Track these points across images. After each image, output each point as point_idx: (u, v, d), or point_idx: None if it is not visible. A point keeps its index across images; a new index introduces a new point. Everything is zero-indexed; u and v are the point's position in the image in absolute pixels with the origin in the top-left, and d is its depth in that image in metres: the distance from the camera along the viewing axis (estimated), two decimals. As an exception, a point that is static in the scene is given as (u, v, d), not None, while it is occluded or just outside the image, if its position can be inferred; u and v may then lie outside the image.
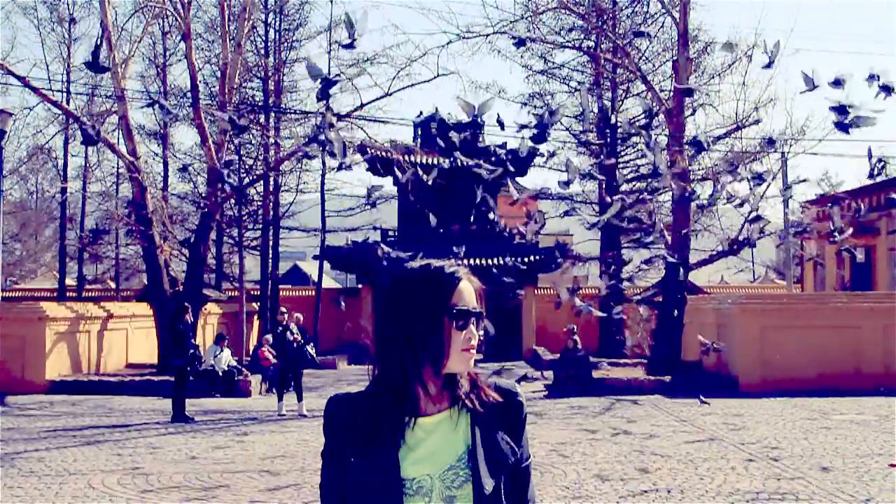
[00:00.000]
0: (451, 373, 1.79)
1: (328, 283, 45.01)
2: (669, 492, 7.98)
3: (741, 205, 13.06)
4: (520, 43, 16.85)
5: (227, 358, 17.65)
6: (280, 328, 14.81)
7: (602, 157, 24.07)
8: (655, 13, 25.81)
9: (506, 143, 30.73)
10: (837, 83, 10.42)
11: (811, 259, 21.28)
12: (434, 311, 1.75)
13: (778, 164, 20.47)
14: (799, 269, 30.97)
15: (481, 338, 1.81)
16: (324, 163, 28.91)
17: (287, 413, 13.84)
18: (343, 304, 25.00)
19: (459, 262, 1.86)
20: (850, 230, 13.93)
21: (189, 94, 22.48)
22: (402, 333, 1.76)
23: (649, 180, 26.46)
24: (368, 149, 26.48)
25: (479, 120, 10.93)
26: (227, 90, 20.62)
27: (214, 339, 18.52)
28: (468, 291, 1.79)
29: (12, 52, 52.19)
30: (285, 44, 29.51)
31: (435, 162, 27.63)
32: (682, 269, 16.14)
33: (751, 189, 12.95)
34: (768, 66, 10.86)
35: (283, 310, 16.61)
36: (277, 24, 29.42)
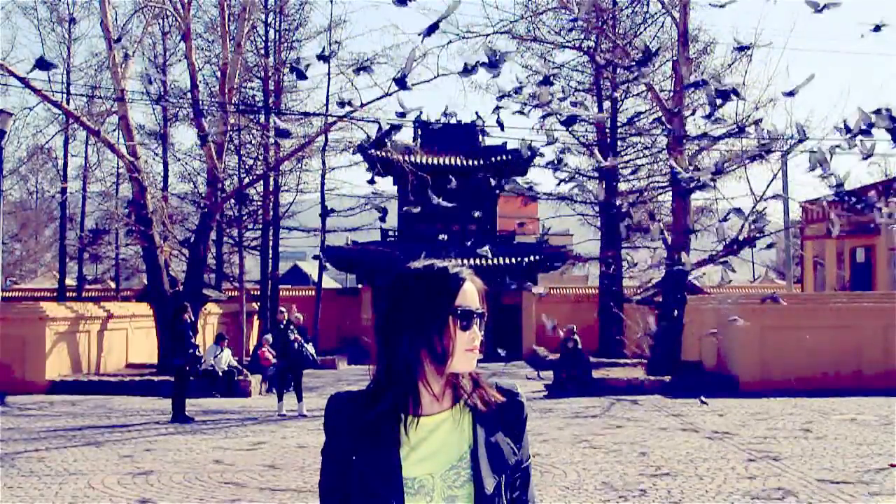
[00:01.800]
0: (454, 372, 1.80)
1: (328, 283, 45.04)
2: (669, 492, 7.98)
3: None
4: (586, 16, 16.87)
5: (227, 358, 17.66)
6: (282, 325, 14.78)
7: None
8: (655, 13, 25.82)
9: (506, 143, 30.75)
10: (878, 28, 10.65)
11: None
12: (439, 311, 1.76)
13: (778, 164, 20.46)
14: (799, 269, 30.98)
15: (482, 337, 1.82)
16: (324, 162, 29.01)
17: (287, 413, 13.84)
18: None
19: (461, 262, 1.87)
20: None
21: (189, 94, 22.48)
22: (407, 333, 1.76)
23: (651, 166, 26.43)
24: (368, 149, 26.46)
25: (499, 65, 11.05)
26: (227, 90, 20.62)
27: (214, 339, 18.52)
28: (472, 292, 1.80)
29: (12, 52, 52.20)
30: (285, 44, 29.51)
31: (435, 162, 27.67)
32: (683, 266, 16.14)
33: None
34: (819, 10, 11.01)
35: (283, 309, 16.60)
36: (277, 24, 29.42)
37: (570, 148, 26.18)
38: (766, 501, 7.58)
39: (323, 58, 11.21)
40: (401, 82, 10.82)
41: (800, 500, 7.57)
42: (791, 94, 12.61)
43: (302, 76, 11.99)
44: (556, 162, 14.89)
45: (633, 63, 15.79)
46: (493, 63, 11.10)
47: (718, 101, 13.20)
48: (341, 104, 12.15)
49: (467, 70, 11.79)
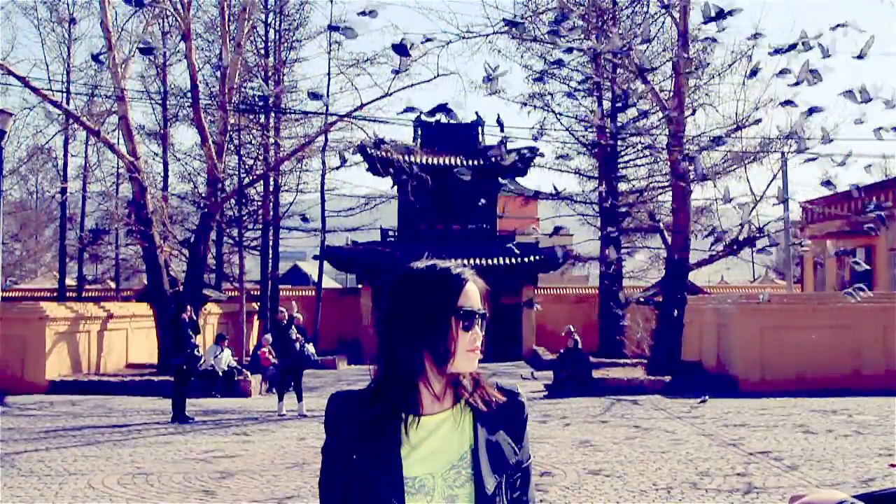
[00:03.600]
0: (455, 372, 1.80)
1: (328, 283, 45.04)
2: (669, 492, 7.98)
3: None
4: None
5: (227, 358, 17.65)
6: (283, 324, 14.74)
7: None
8: (655, 13, 25.80)
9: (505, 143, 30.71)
10: None
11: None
12: (442, 311, 1.76)
13: (778, 164, 20.44)
14: (799, 269, 30.97)
15: (482, 338, 1.83)
16: (324, 162, 29.01)
17: (287, 413, 13.84)
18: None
19: (463, 263, 1.87)
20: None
21: (189, 94, 22.48)
22: (409, 333, 1.76)
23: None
24: (368, 149, 26.50)
25: (564, 21, 10.95)
26: (226, 90, 20.62)
27: (214, 339, 18.52)
28: (474, 293, 1.80)
29: (12, 52, 52.17)
30: (285, 44, 29.51)
31: (434, 162, 27.65)
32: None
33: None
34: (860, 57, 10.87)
35: (283, 308, 16.55)
36: (277, 24, 29.41)
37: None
38: (766, 501, 7.58)
39: (364, 13, 11.07)
40: (401, 48, 10.65)
41: (800, 500, 7.57)
42: (860, 56, 12.31)
43: (354, 24, 11.82)
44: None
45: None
46: (561, 19, 10.97)
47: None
48: (396, 72, 12.19)
49: (513, 23, 11.66)
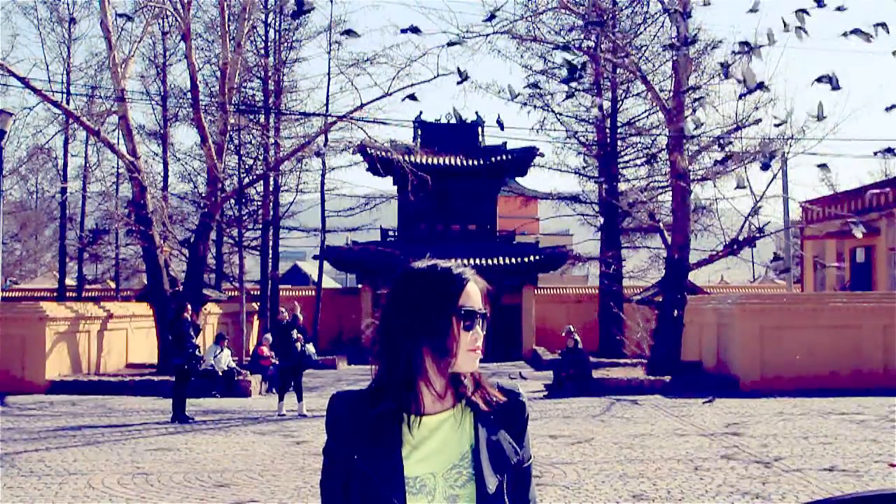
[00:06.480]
0: (456, 372, 1.80)
1: (328, 283, 45.04)
2: (669, 492, 7.98)
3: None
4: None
5: (226, 358, 17.65)
6: (285, 323, 14.71)
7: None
8: (655, 13, 25.81)
9: (505, 143, 30.76)
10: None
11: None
12: (443, 311, 1.76)
13: (778, 164, 20.43)
14: (799, 269, 30.97)
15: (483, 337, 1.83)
16: (324, 162, 29.00)
17: (287, 413, 13.84)
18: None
19: (463, 262, 1.88)
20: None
21: (189, 94, 22.47)
22: (410, 333, 1.76)
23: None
24: (368, 149, 26.52)
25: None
26: (226, 90, 20.60)
27: (214, 339, 18.51)
28: (475, 292, 1.80)
29: (12, 52, 52.21)
30: (285, 44, 29.51)
31: (435, 162, 27.65)
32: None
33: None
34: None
35: (283, 308, 16.56)
36: (277, 24, 29.42)
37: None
38: (766, 501, 7.58)
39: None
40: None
41: (799, 500, 7.57)
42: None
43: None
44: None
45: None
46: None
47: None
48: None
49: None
